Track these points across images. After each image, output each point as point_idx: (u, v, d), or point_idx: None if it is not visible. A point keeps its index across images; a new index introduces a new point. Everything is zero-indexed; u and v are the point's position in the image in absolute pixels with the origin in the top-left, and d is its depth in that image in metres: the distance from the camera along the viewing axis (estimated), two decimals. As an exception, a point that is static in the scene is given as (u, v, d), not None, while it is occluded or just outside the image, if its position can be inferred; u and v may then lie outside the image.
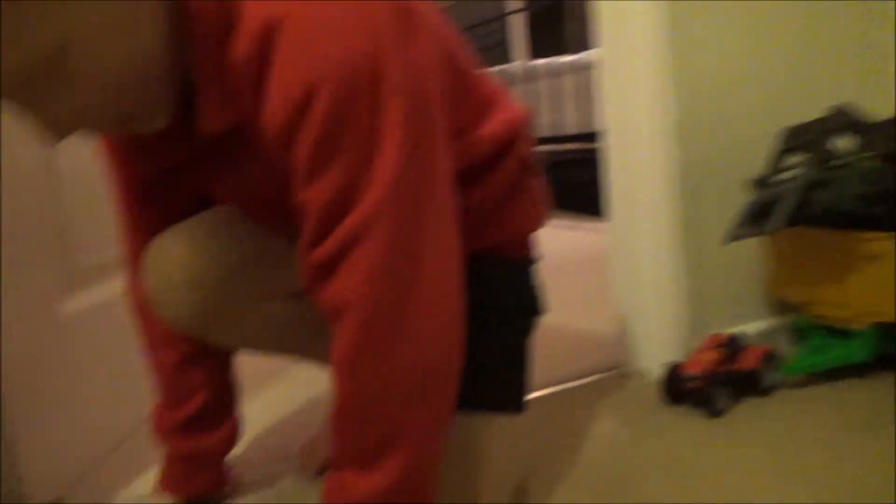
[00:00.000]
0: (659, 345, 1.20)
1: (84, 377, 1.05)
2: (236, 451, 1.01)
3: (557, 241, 2.61)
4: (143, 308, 0.83)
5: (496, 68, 3.51)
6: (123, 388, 1.14)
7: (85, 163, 1.06)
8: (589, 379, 1.22)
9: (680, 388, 1.09)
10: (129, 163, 0.77)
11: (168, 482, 0.88)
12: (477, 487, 0.74)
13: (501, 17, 4.12)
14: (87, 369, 1.06)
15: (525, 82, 3.30)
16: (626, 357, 1.26)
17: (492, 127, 0.72)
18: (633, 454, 0.95)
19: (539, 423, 1.06)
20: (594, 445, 0.98)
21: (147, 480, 0.96)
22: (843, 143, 1.14)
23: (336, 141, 0.54)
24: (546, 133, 3.20)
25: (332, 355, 0.60)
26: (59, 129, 0.54)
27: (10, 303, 0.90)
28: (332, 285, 0.58)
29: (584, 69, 2.90)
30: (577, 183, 3.15)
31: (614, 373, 1.24)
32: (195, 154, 0.69)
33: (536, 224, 0.81)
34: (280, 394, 1.29)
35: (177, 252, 0.74)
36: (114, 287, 1.11)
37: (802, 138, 1.15)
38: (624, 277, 1.27)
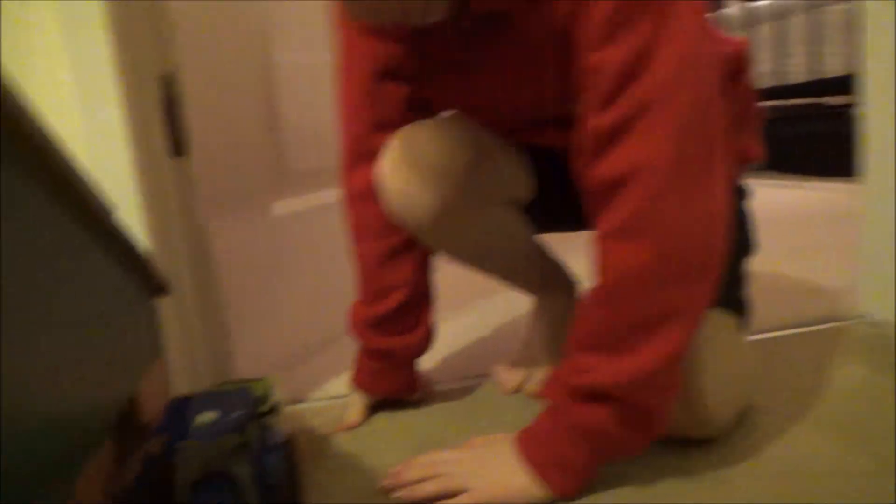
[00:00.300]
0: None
1: (293, 276, 1.09)
2: (429, 362, 1.00)
3: (779, 199, 2.35)
4: (360, 197, 0.83)
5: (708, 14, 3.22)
6: (329, 292, 1.17)
7: (300, 78, 1.09)
8: (827, 325, 1.07)
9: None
10: (370, 54, 0.77)
11: (360, 379, 0.88)
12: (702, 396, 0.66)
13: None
14: (295, 269, 1.10)
15: (744, 27, 2.98)
16: (867, 307, 1.08)
17: (723, 49, 0.71)
18: (878, 395, 0.79)
19: (774, 361, 0.93)
20: (836, 385, 0.84)
21: (343, 381, 0.98)
22: None
23: (636, 3, 0.55)
24: (767, 83, 2.88)
25: (602, 228, 0.59)
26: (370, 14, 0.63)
27: (228, 204, 0.95)
28: (617, 151, 0.56)
29: (815, 8, 2.55)
30: (800, 138, 2.81)
31: (855, 321, 1.07)
32: (448, 46, 0.70)
33: (755, 158, 0.79)
34: (476, 319, 1.27)
35: (423, 143, 0.75)
36: (321, 196, 1.14)
37: None
38: (879, 236, 1.07)
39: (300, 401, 0.96)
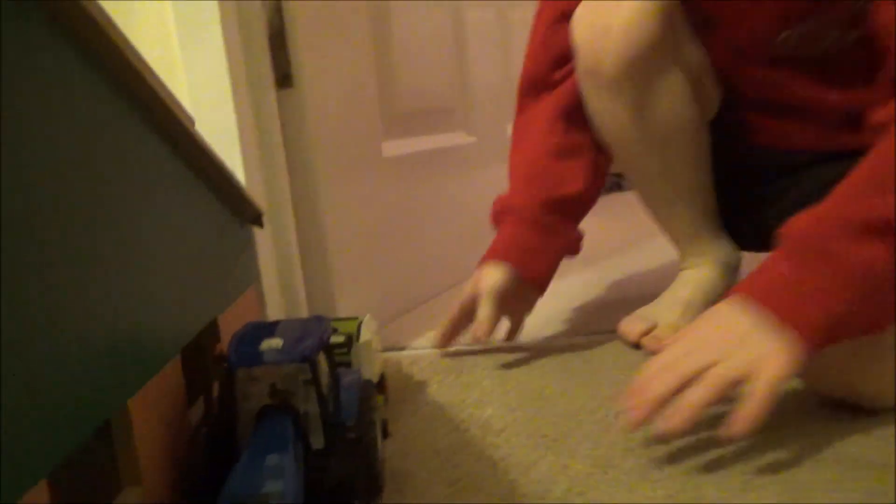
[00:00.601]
0: None
1: (401, 221, 1.05)
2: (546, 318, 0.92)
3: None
4: (538, 122, 0.85)
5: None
6: (437, 241, 1.12)
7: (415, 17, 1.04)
8: None
9: None
10: None
11: (500, 251, 0.83)
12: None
13: None
14: (404, 214, 1.05)
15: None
16: None
17: None
18: None
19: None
20: None
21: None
22: None
23: None
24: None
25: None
26: None
27: (336, 141, 0.92)
28: None
29: None
30: None
31: None
32: None
33: None
34: (605, 275, 1.17)
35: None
36: (434, 140, 1.09)
37: None
38: None
39: (399, 348, 0.92)
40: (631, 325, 0.84)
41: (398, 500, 0.56)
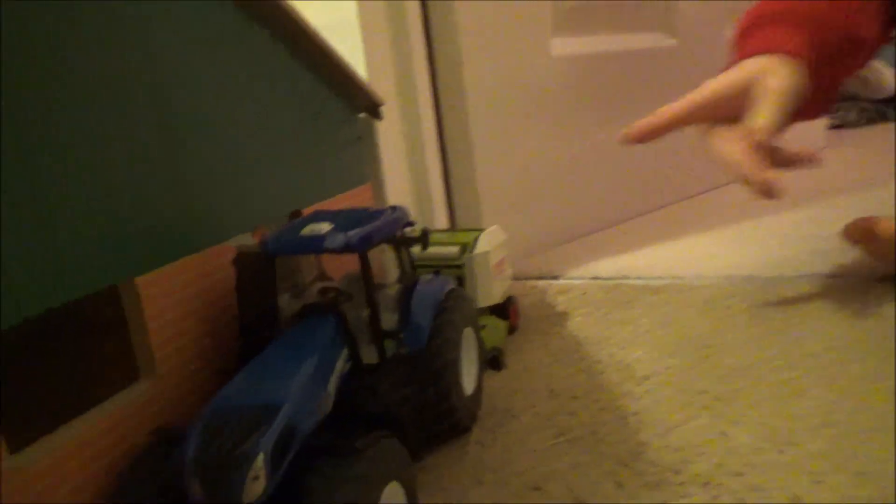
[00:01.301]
0: None
1: (561, 133, 0.89)
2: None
3: None
4: None
5: None
6: (616, 173, 0.95)
7: None
8: None
9: None
10: None
11: (791, 46, 0.54)
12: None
13: None
14: (579, 125, 0.90)
15: None
16: None
17: None
18: None
19: None
20: None
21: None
22: None
23: None
24: None
25: None
26: None
27: (507, 40, 0.79)
28: None
29: None
30: None
31: None
32: None
33: None
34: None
35: None
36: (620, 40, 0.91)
37: None
38: None
39: (551, 277, 0.78)
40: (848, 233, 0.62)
41: (487, 444, 0.44)
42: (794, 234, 0.81)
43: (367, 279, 0.38)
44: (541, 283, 0.75)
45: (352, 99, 0.60)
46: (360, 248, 0.37)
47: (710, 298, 0.65)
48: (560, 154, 0.89)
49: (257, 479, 0.28)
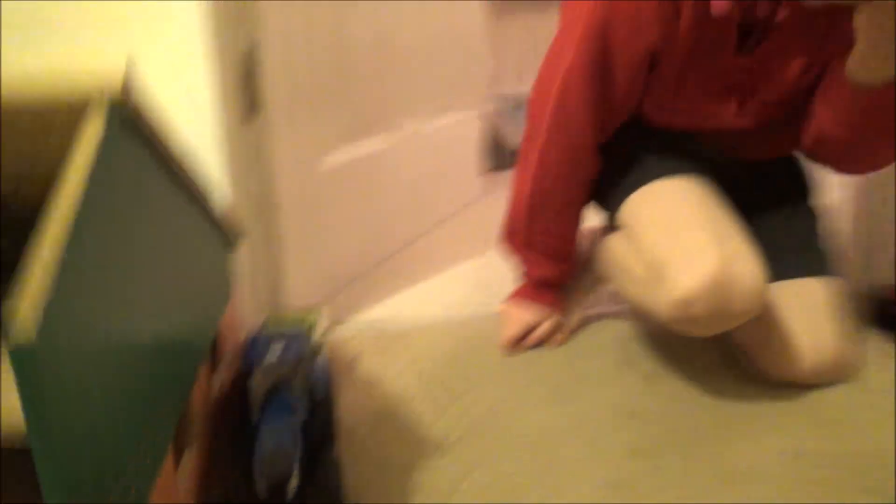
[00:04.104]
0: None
1: (340, 217, 1.28)
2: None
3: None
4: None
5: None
6: (370, 227, 1.37)
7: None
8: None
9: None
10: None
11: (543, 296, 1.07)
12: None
13: None
14: (343, 211, 1.29)
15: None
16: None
17: None
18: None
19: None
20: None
21: (388, 305, 1.20)
22: None
23: None
24: None
25: None
26: None
27: (282, 157, 1.12)
28: None
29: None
30: None
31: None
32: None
33: None
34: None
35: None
36: (366, 145, 1.32)
37: None
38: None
39: (339, 323, 1.17)
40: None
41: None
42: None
43: (304, 370, 0.74)
44: (336, 329, 1.14)
45: (227, 234, 0.91)
46: (305, 355, 0.74)
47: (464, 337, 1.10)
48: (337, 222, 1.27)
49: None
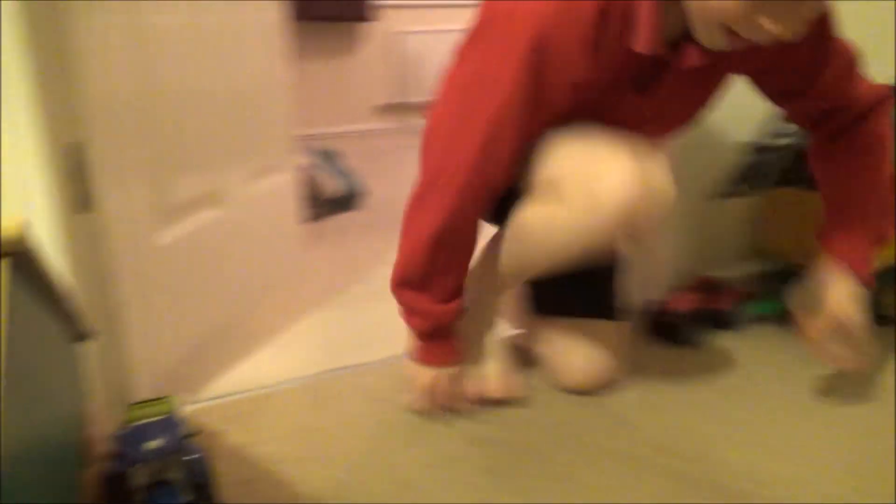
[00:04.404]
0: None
1: (179, 291, 1.29)
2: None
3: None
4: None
5: None
6: (207, 298, 1.39)
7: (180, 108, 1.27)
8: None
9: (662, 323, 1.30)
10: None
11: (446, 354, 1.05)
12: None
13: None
14: (181, 285, 1.30)
15: None
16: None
17: None
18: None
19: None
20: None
21: (232, 375, 1.24)
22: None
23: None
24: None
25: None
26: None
27: (117, 234, 1.13)
28: (867, 128, 1.02)
29: None
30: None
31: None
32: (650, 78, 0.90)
33: None
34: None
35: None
36: (200, 218, 1.35)
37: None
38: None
39: (195, 401, 1.19)
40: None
41: None
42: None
43: (181, 459, 0.78)
44: (194, 407, 1.16)
45: (80, 335, 0.92)
46: (181, 445, 0.78)
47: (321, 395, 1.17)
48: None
49: None
